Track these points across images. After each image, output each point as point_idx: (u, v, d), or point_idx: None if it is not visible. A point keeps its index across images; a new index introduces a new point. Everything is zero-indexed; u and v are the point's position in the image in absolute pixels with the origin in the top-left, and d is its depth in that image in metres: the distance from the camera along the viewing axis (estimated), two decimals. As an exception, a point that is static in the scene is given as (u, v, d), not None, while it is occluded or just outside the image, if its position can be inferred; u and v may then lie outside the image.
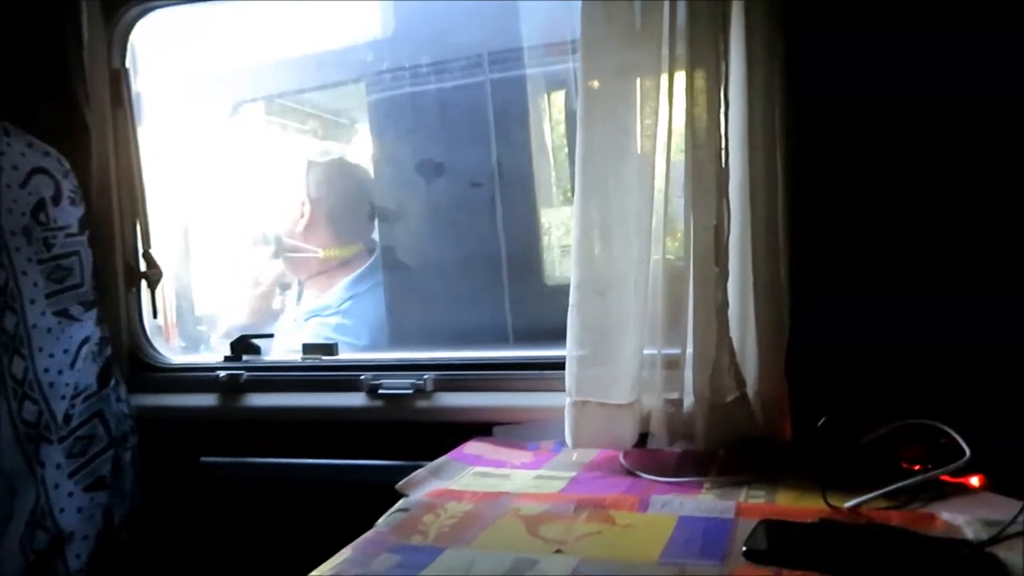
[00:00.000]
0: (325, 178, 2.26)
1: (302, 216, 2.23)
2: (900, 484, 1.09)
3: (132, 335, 1.87)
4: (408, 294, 2.18)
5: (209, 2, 1.83)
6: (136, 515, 1.68)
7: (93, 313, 1.64)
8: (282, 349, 1.97)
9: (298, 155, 2.49)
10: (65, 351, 1.58)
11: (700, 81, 1.32)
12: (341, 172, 2.31)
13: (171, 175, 2.20)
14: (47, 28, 1.62)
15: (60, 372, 1.57)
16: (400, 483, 1.30)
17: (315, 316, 2.23)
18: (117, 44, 1.82)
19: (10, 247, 1.52)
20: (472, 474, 1.35)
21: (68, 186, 1.61)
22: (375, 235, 2.26)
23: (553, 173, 2.22)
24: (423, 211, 2.17)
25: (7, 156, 1.52)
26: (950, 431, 1.13)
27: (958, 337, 1.29)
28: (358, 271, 2.24)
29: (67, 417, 1.57)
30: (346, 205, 2.26)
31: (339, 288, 2.23)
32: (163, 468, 1.74)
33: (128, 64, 1.86)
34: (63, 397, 1.57)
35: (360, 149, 2.45)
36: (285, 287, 2.35)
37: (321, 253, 2.22)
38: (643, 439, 1.40)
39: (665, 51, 1.34)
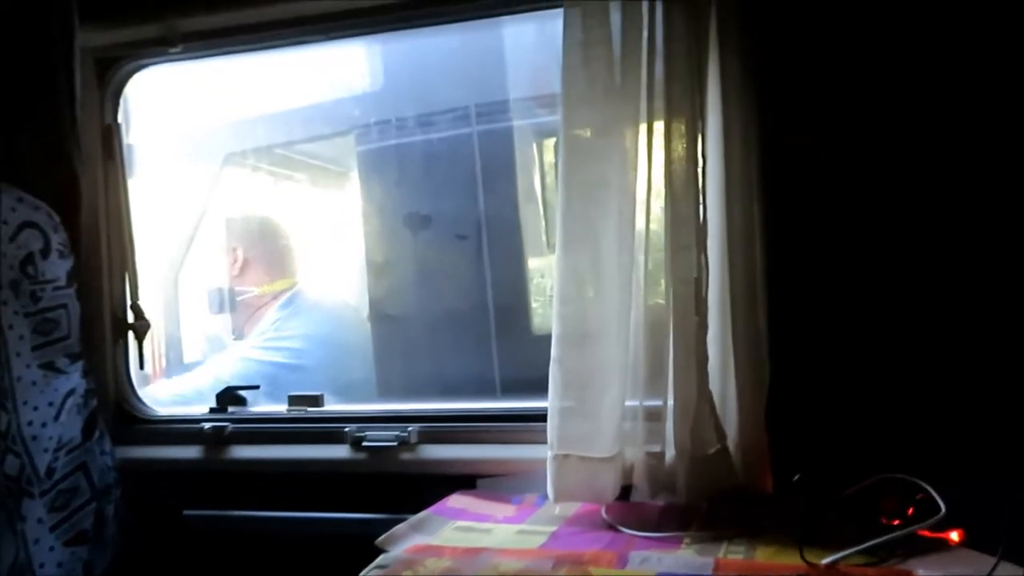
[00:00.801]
0: (246, 226, 2.43)
1: (236, 260, 2.36)
2: (877, 540, 1.09)
3: (118, 387, 1.87)
4: (395, 345, 2.19)
5: (202, 59, 1.86)
6: (117, 569, 1.66)
7: (79, 365, 1.64)
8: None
9: (289, 204, 2.55)
10: (50, 404, 1.58)
11: (678, 135, 1.36)
12: (258, 219, 2.47)
13: (162, 226, 2.23)
14: (40, 83, 1.64)
15: (44, 425, 1.56)
16: (380, 538, 1.29)
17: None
18: (110, 100, 1.86)
19: (-3, 301, 1.53)
20: (453, 528, 1.35)
21: (57, 240, 1.62)
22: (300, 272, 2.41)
23: (543, 220, 2.25)
24: (411, 262, 2.19)
25: (-3, 211, 1.54)
26: (926, 486, 1.13)
27: (937, 394, 1.30)
28: (286, 296, 2.34)
29: (50, 470, 1.56)
30: (269, 245, 2.40)
31: (270, 314, 2.33)
32: (146, 521, 1.72)
33: (121, 118, 1.89)
34: (46, 450, 1.56)
35: (351, 197, 2.49)
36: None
37: (257, 290, 2.35)
38: (626, 491, 1.40)
39: (644, 106, 1.38)
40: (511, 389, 2.03)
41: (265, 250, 2.38)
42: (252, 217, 2.46)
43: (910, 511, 1.14)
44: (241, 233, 2.40)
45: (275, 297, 2.34)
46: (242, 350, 2.26)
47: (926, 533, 1.11)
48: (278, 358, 2.21)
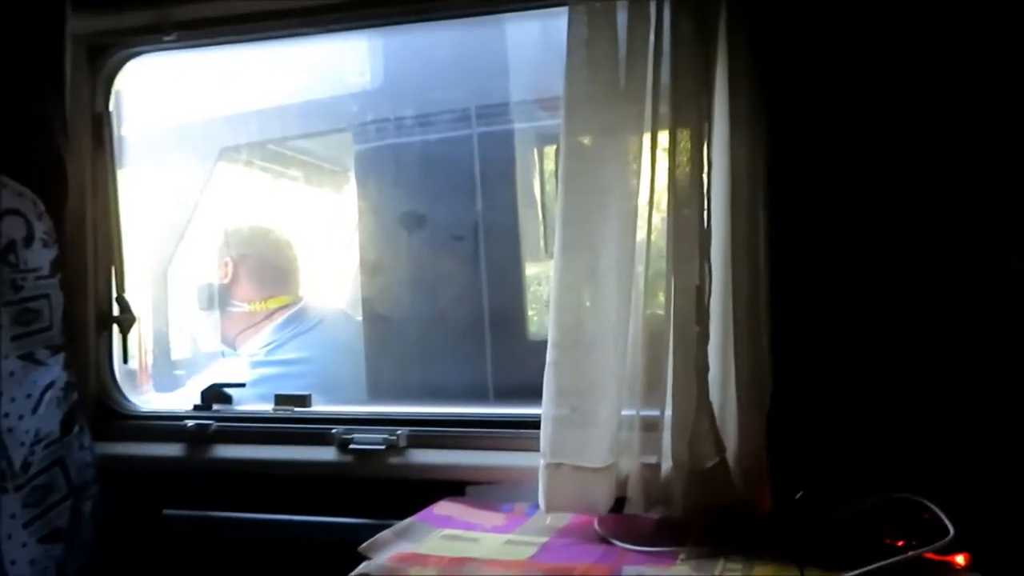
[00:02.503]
0: (243, 241, 2.36)
1: (226, 276, 2.31)
2: (881, 564, 1.05)
3: (100, 381, 1.83)
4: (387, 346, 2.15)
5: (196, 49, 1.83)
6: (93, 568, 1.61)
7: (60, 357, 1.60)
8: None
9: (284, 203, 2.51)
10: (28, 396, 1.54)
11: (683, 141, 1.33)
12: (258, 235, 2.40)
13: (152, 219, 2.19)
14: (30, 69, 1.61)
15: (21, 417, 1.52)
16: (363, 545, 1.26)
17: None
18: (101, 88, 1.82)
19: (-25, 289, 1.49)
20: (440, 537, 1.31)
21: (41, 228, 1.58)
22: (301, 289, 2.34)
23: (542, 226, 2.22)
24: (406, 262, 2.16)
25: (-22, 196, 1.50)
26: (933, 507, 1.10)
27: (945, 410, 1.27)
28: (283, 318, 2.27)
29: (26, 465, 1.52)
30: (265, 263, 2.33)
31: (264, 333, 2.27)
32: (124, 520, 1.68)
33: (113, 108, 1.85)
34: (22, 444, 1.51)
35: (347, 197, 2.45)
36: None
37: (247, 307, 2.29)
38: (620, 503, 1.37)
39: (648, 110, 1.35)
40: (505, 394, 1.99)
41: (257, 268, 2.31)
42: (246, 230, 2.39)
43: (915, 532, 1.10)
44: (234, 247, 2.33)
45: (269, 316, 2.27)
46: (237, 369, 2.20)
47: (931, 556, 1.08)
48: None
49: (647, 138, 1.35)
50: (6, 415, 1.50)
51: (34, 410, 1.54)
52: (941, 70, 1.31)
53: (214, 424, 1.74)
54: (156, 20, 1.71)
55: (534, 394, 1.39)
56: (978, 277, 1.29)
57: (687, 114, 1.32)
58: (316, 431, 1.68)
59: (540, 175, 2.24)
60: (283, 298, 2.30)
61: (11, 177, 1.56)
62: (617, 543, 1.26)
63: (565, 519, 1.37)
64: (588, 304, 1.36)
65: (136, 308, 1.87)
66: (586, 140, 1.37)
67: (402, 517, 1.38)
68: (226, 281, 2.30)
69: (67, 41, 1.63)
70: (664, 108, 1.34)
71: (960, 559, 1.08)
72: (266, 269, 2.32)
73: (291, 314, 2.28)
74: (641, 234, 1.35)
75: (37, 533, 1.52)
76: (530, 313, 2.16)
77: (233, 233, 2.35)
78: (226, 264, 2.30)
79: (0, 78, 1.60)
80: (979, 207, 1.29)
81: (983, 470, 1.21)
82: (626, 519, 1.35)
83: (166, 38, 1.73)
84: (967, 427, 1.25)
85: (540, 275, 2.18)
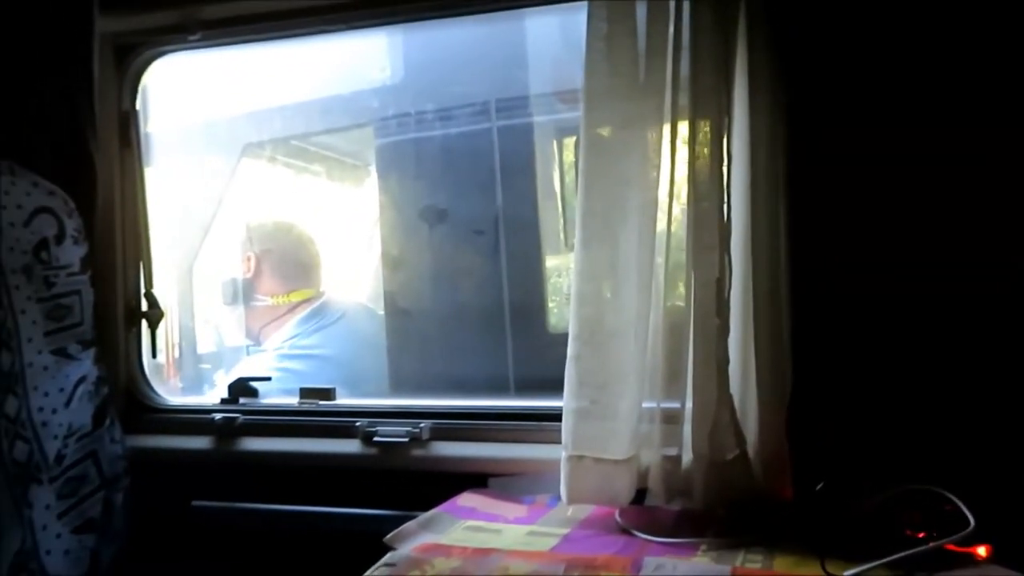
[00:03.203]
0: (265, 236, 2.39)
1: (249, 270, 2.34)
2: (902, 554, 1.05)
3: (130, 375, 1.86)
4: (409, 340, 2.17)
5: (221, 47, 1.85)
6: (124, 558, 1.65)
7: (91, 352, 1.63)
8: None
9: (306, 198, 2.53)
10: (61, 390, 1.57)
11: (703, 133, 1.32)
12: (281, 229, 2.43)
13: (178, 215, 2.22)
14: (58, 68, 1.63)
15: (54, 411, 1.55)
16: (389, 536, 1.27)
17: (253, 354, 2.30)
18: (128, 86, 1.85)
19: (10, 285, 1.52)
20: (463, 528, 1.32)
21: (72, 225, 1.61)
22: (323, 283, 2.37)
23: (561, 219, 2.22)
24: (427, 256, 2.17)
25: (11, 195, 1.53)
26: (954, 498, 1.09)
27: (966, 402, 1.26)
28: (306, 312, 2.30)
29: (59, 457, 1.55)
30: (287, 257, 2.36)
31: (288, 327, 2.30)
32: (154, 511, 1.71)
33: (139, 106, 1.88)
34: (56, 437, 1.55)
35: (368, 191, 2.47)
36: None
37: (271, 300, 2.32)
38: (640, 494, 1.37)
39: (668, 103, 1.34)
40: (525, 387, 2.00)
41: (279, 263, 2.34)
42: (269, 226, 2.41)
43: (936, 524, 1.10)
44: (256, 242, 2.36)
45: (291, 310, 2.30)
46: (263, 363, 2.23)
47: (952, 547, 1.08)
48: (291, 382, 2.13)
49: (667, 130, 1.34)
50: (40, 409, 1.53)
51: (67, 404, 1.57)
52: (965, 64, 1.30)
53: (241, 417, 1.77)
54: (182, 20, 1.73)
55: (555, 387, 1.39)
56: (998, 271, 1.27)
57: (707, 106, 1.32)
58: (340, 424, 1.69)
59: (560, 167, 2.24)
60: (306, 292, 2.32)
61: (42, 176, 1.59)
62: (638, 534, 1.27)
63: (586, 510, 1.38)
64: (609, 296, 1.36)
65: (163, 303, 1.89)
66: (606, 133, 1.37)
67: (426, 509, 1.39)
68: (249, 276, 2.33)
69: (95, 41, 1.66)
70: (684, 101, 1.33)
71: (981, 550, 1.08)
72: (288, 264, 2.35)
73: (314, 308, 2.30)
74: (661, 226, 1.35)
75: (71, 524, 1.55)
76: (551, 306, 2.17)
77: (256, 228, 2.38)
78: (249, 259, 2.33)
79: (30, 79, 1.63)
80: (998, 201, 1.28)
81: (1004, 461, 1.20)
82: (647, 511, 1.36)
83: (191, 37, 1.75)
84: (987, 418, 1.24)
85: (560, 267, 2.18)
